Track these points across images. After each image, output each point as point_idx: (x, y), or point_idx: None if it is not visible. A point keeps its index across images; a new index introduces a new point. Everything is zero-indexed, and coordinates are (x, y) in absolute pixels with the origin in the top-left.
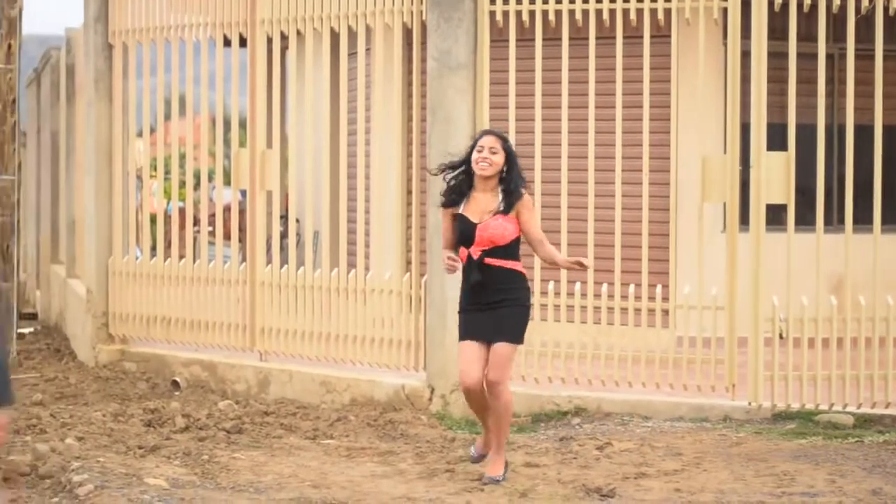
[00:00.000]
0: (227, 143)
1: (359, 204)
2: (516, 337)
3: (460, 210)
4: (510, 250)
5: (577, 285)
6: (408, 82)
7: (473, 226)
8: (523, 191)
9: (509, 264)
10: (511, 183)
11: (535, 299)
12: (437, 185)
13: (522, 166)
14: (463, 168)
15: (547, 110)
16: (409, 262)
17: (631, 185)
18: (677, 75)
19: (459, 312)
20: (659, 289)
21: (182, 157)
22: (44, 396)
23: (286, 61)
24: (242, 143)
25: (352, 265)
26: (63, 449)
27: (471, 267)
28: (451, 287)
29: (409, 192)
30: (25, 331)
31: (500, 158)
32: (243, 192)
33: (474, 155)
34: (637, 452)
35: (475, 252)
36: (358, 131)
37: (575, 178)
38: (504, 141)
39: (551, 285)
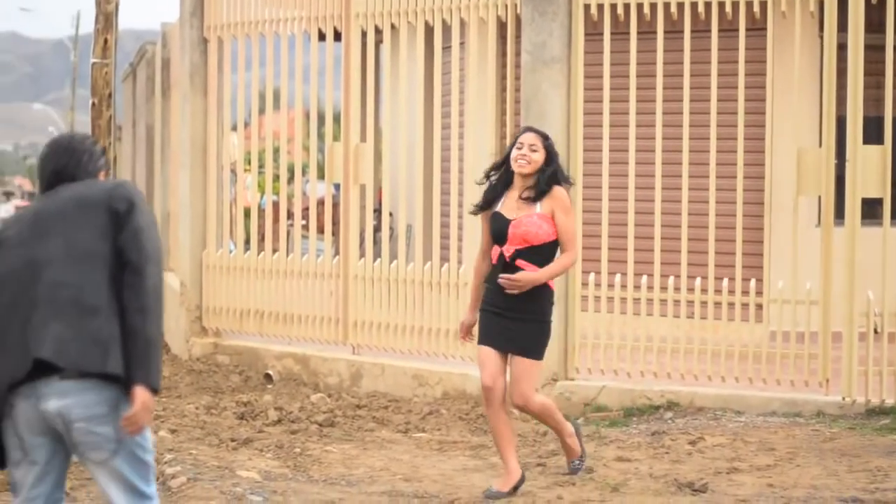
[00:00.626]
0: (320, 136)
1: (452, 197)
2: (533, 353)
3: (497, 209)
4: (545, 255)
5: (671, 279)
6: (501, 76)
7: (507, 222)
8: (559, 187)
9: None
10: (545, 174)
11: (629, 293)
12: None
13: (616, 160)
14: (504, 167)
15: (641, 104)
16: None
17: (725, 178)
18: (773, 68)
19: (480, 310)
20: (753, 283)
21: (276, 151)
22: None
23: (380, 55)
24: (336, 137)
25: (445, 259)
26: (156, 441)
27: (499, 266)
28: None
29: None
30: None
31: (539, 157)
32: (337, 186)
33: (514, 153)
34: (729, 447)
35: (508, 250)
36: (451, 125)
37: (669, 172)
38: (545, 139)
39: (644, 279)
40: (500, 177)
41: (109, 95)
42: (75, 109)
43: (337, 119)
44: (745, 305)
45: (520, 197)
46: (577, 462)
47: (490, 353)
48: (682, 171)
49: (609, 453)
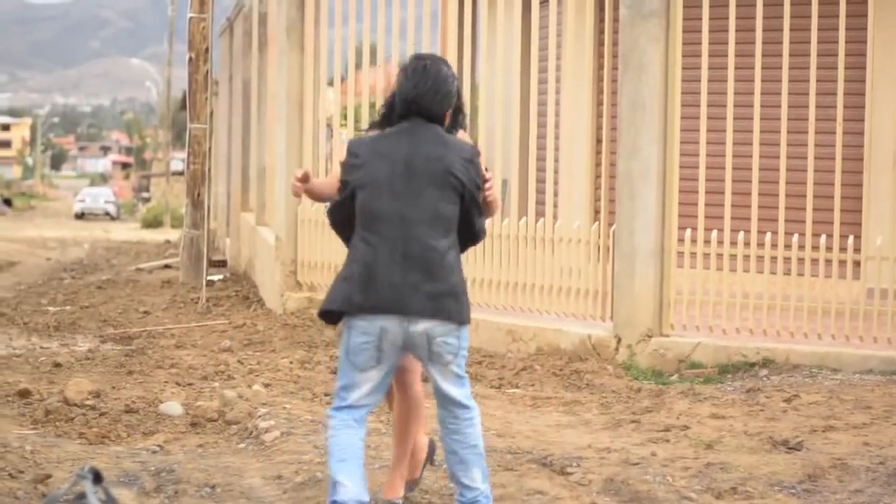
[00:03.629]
0: None
1: (548, 153)
2: None
3: None
4: None
5: (768, 235)
6: (599, 30)
7: None
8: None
9: None
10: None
11: (724, 249)
12: (628, 134)
13: (714, 115)
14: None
15: (740, 58)
16: (597, 212)
17: (824, 134)
18: (874, 23)
19: None
20: (851, 239)
21: (372, 106)
22: (232, 343)
23: (477, 9)
24: None
25: (540, 214)
26: (250, 395)
27: None
28: (640, 235)
29: (599, 142)
30: (215, 278)
31: None
32: None
33: None
34: (825, 405)
35: None
36: (548, 80)
37: (767, 128)
38: None
39: (741, 235)
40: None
41: (206, 50)
42: (172, 64)
43: None
44: (842, 262)
45: None
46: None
47: None
48: (780, 127)
49: (703, 410)
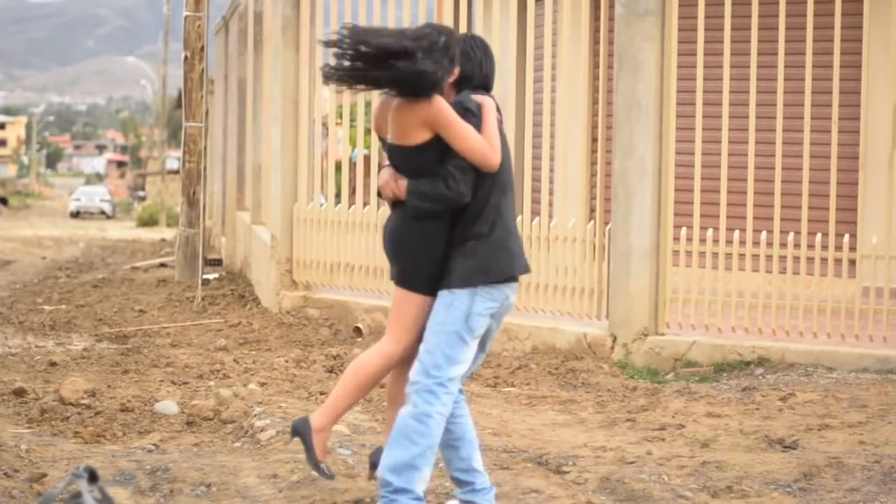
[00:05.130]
0: None
1: (543, 151)
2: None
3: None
4: None
5: (763, 234)
6: (595, 29)
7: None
8: None
9: None
10: None
11: (720, 248)
12: (623, 133)
13: (710, 114)
14: None
15: (735, 57)
16: (592, 210)
17: (820, 132)
18: (869, 21)
19: None
20: (846, 238)
21: (367, 104)
22: (227, 342)
23: (473, 8)
24: None
25: (536, 213)
26: (246, 394)
27: None
28: (635, 234)
29: (594, 140)
30: (210, 276)
31: None
32: None
33: None
34: (821, 404)
35: None
36: (544, 79)
37: (763, 126)
38: None
39: (736, 234)
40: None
41: (202, 48)
42: (168, 62)
43: None
44: (837, 261)
45: None
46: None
47: None
48: (775, 126)
49: (699, 409)
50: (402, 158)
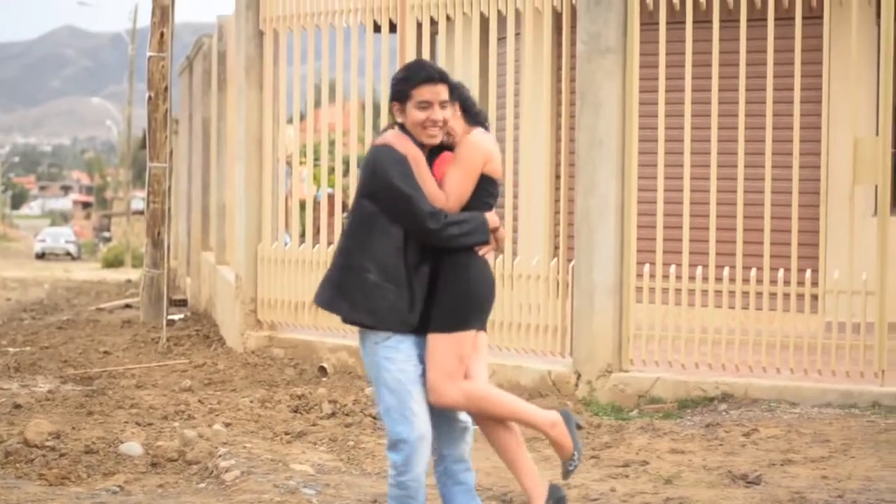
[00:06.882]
0: (376, 128)
1: (506, 189)
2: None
3: None
4: None
5: (726, 270)
6: (557, 67)
7: None
8: None
9: None
10: None
11: (683, 284)
12: (586, 170)
13: (672, 150)
14: None
15: (697, 93)
16: (556, 248)
17: (781, 168)
18: (829, 57)
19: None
20: (808, 273)
21: (331, 143)
22: (192, 382)
23: (436, 46)
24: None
25: (499, 250)
26: (211, 435)
27: None
28: (598, 271)
29: (558, 177)
30: (175, 317)
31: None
32: None
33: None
34: (784, 439)
35: None
36: (507, 116)
37: (725, 162)
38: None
39: (699, 270)
40: None
41: (166, 89)
42: (133, 103)
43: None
44: (800, 296)
45: None
46: (571, 463)
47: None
48: (737, 161)
49: (663, 445)
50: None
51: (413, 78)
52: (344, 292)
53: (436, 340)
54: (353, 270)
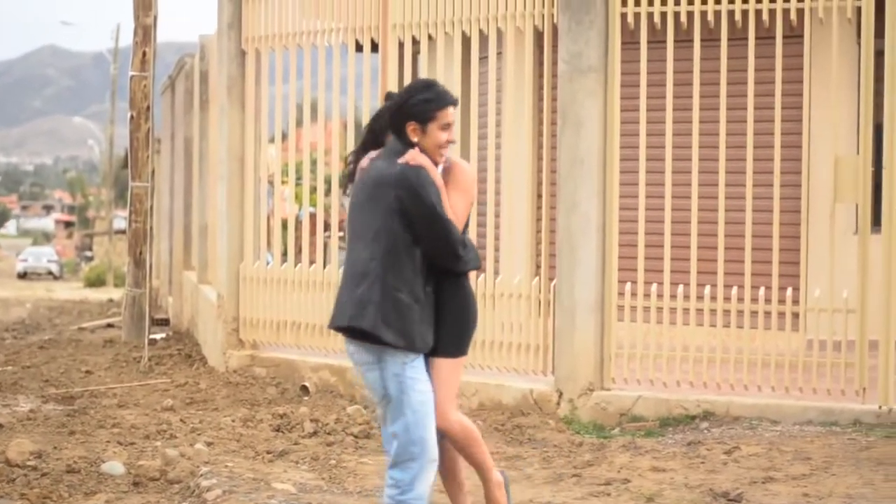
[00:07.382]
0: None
1: (488, 208)
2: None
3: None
4: None
5: (707, 288)
6: (538, 86)
7: None
8: None
9: None
10: None
11: (664, 302)
12: (567, 189)
13: (653, 169)
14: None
15: (678, 112)
16: (538, 266)
17: (762, 186)
18: (810, 76)
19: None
20: (789, 291)
21: (314, 162)
22: (174, 402)
23: (418, 66)
24: None
25: (481, 269)
26: (192, 454)
27: None
28: (580, 289)
29: (539, 196)
30: (157, 336)
31: None
32: None
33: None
34: (765, 457)
35: None
36: (488, 135)
37: (706, 181)
38: None
39: (680, 288)
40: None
41: (148, 108)
42: (115, 122)
43: None
44: (781, 314)
45: None
46: None
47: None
48: (718, 180)
49: (644, 463)
50: None
51: (440, 100)
52: (380, 312)
53: (443, 364)
54: (389, 290)
